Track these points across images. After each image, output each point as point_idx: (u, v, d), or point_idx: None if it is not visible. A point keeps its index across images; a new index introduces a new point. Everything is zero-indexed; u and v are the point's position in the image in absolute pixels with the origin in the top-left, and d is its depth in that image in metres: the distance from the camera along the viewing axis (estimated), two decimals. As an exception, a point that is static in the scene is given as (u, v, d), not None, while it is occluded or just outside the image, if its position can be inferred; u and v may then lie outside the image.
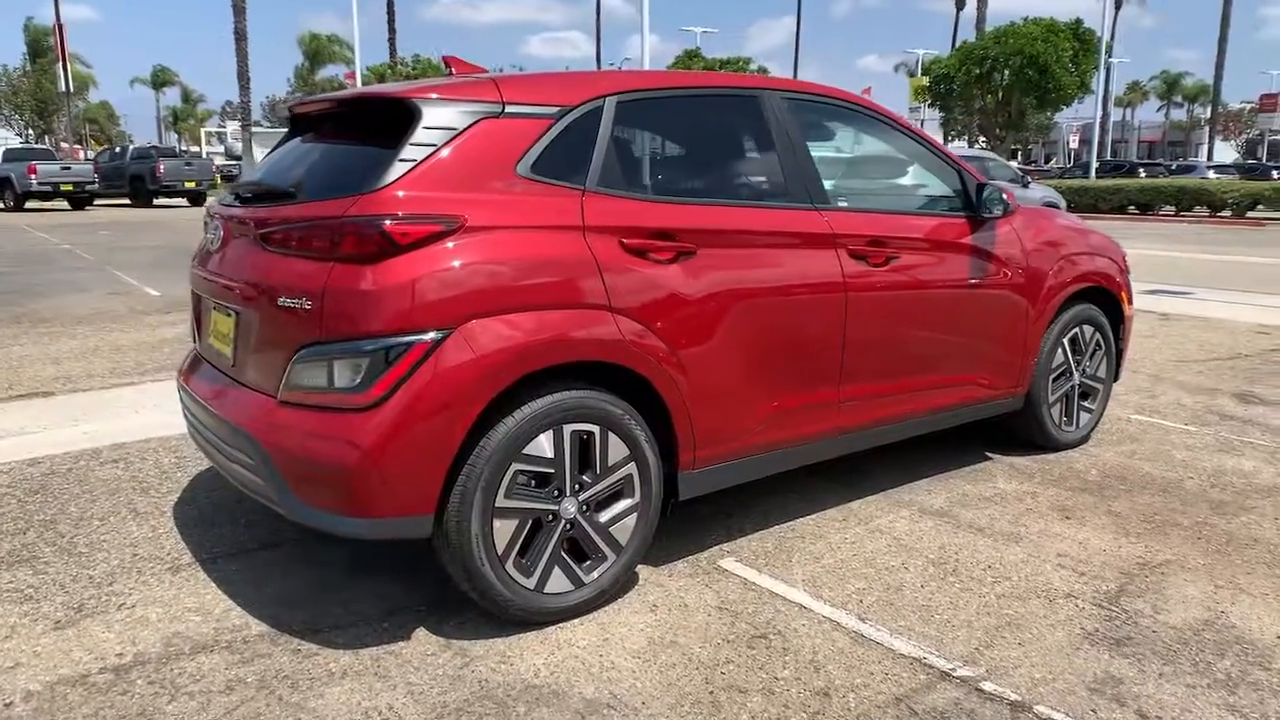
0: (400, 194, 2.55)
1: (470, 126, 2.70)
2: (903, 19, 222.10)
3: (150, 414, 5.15)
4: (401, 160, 2.59)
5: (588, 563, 2.85)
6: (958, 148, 26.93)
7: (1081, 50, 27.73)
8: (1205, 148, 68.31)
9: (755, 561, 3.25)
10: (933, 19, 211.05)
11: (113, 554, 3.33)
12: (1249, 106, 71.51)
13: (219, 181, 29.97)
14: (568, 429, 2.72)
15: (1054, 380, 4.32)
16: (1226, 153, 71.67)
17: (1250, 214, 24.55)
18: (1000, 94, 29.70)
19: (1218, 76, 54.17)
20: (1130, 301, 4.65)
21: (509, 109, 2.77)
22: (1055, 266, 4.15)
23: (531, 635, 2.75)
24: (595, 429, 2.77)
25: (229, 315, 2.95)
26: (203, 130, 60.72)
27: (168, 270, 11.99)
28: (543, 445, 2.69)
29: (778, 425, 3.26)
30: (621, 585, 2.96)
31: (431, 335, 2.49)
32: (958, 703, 2.41)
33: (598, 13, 70.43)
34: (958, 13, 75.11)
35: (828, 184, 3.47)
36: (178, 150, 35.77)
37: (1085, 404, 4.53)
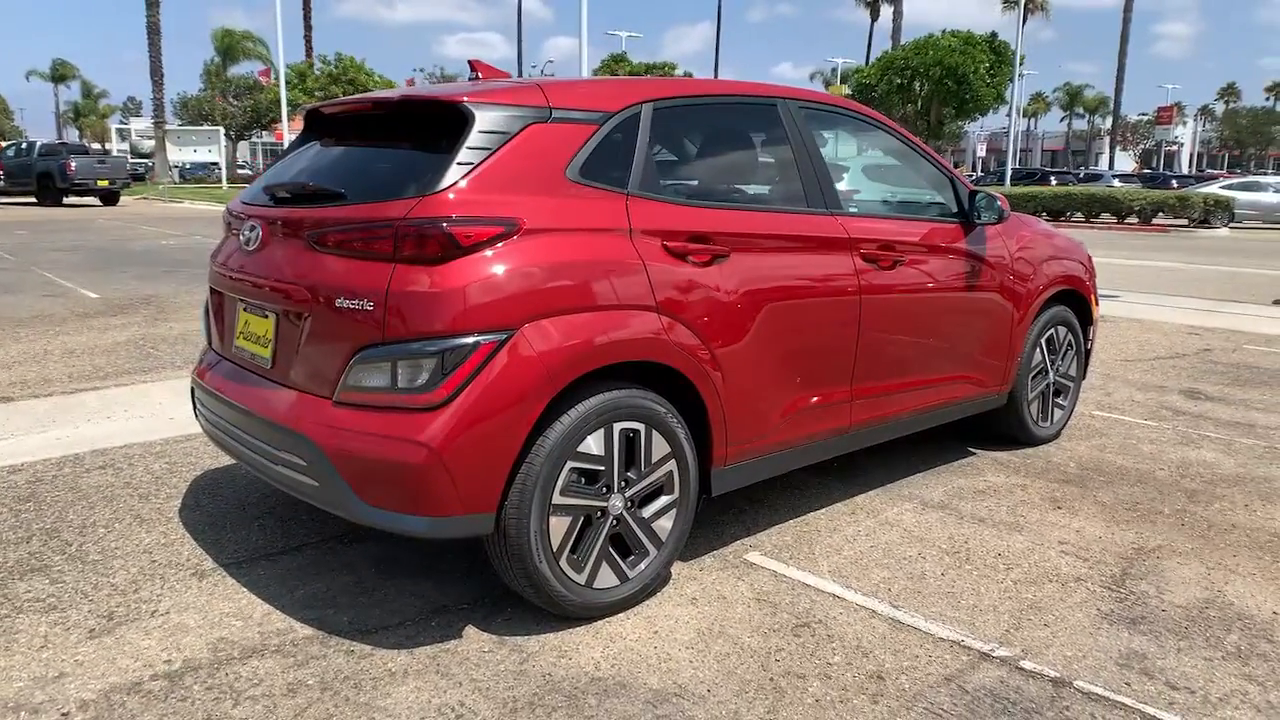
0: (460, 196, 2.58)
1: (521, 131, 2.74)
2: (816, 28, 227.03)
3: (124, 420, 5.00)
4: (459, 163, 2.62)
5: (631, 558, 2.92)
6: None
7: (997, 62, 28.89)
8: (1105, 157, 71.63)
9: (779, 554, 3.36)
10: (845, 28, 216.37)
11: (129, 561, 3.25)
12: (1146, 118, 75.43)
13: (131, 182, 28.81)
14: (617, 427, 2.79)
15: (1033, 379, 4.55)
16: (1124, 162, 75.28)
17: (1154, 220, 25.89)
18: (920, 103, 30.69)
19: (1118, 90, 56.98)
20: (1097, 303, 4.92)
21: (555, 114, 2.83)
22: (1036, 270, 4.39)
23: (581, 630, 2.81)
24: (641, 427, 2.85)
25: (265, 317, 2.93)
26: (114, 127, 58.17)
27: (100, 272, 11.56)
28: (594, 443, 2.75)
29: (798, 422, 3.38)
30: (660, 580, 3.03)
31: (496, 336, 2.53)
32: (1003, 680, 2.55)
33: (519, 15, 70.02)
34: (872, 23, 77.02)
35: (838, 189, 3.61)
36: (89, 147, 34.24)
37: (1059, 401, 4.79)
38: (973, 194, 4.06)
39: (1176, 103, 65.36)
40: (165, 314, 8.47)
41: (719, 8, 78.36)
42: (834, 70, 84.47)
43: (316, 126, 3.38)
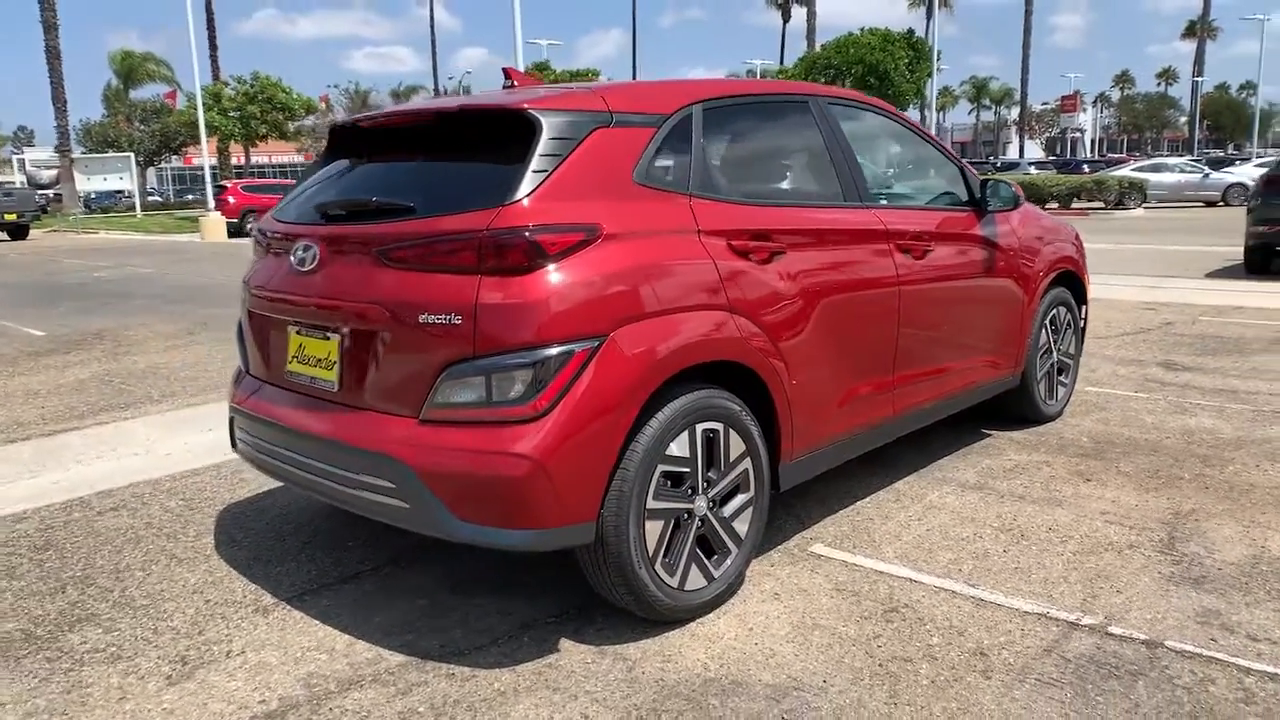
0: (539, 204, 2.56)
1: (587, 136, 2.73)
2: (726, 31, 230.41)
3: (117, 460, 4.80)
4: (534, 171, 2.60)
5: (715, 557, 2.92)
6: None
7: (915, 58, 29.72)
8: (1014, 146, 74.14)
9: (842, 544, 3.41)
10: (756, 31, 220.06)
11: (182, 603, 3.12)
12: (1049, 107, 78.50)
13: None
14: (699, 428, 2.79)
15: (1040, 358, 4.70)
16: (1032, 150, 78.06)
17: (1073, 205, 26.92)
18: (843, 101, 31.30)
19: (1024, 81, 59.08)
20: (1088, 283, 5.11)
21: (616, 118, 2.82)
22: (1039, 253, 4.54)
23: (677, 633, 2.80)
24: (720, 427, 2.86)
25: (327, 338, 2.85)
26: (15, 158, 55.52)
27: (36, 308, 11.05)
28: (680, 445, 2.75)
29: (852, 413, 3.43)
30: (740, 578, 3.04)
31: (589, 343, 2.51)
32: (1099, 647, 2.64)
33: (432, 27, 69.48)
34: (784, 24, 78.31)
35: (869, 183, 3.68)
36: (-9, 180, 32.69)
37: (1061, 379, 4.95)
38: (984, 182, 4.18)
39: (1077, 90, 68.29)
40: (123, 348, 8.14)
41: (634, 13, 78.65)
42: (749, 73, 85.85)
43: (348, 143, 3.31)
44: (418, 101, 3.38)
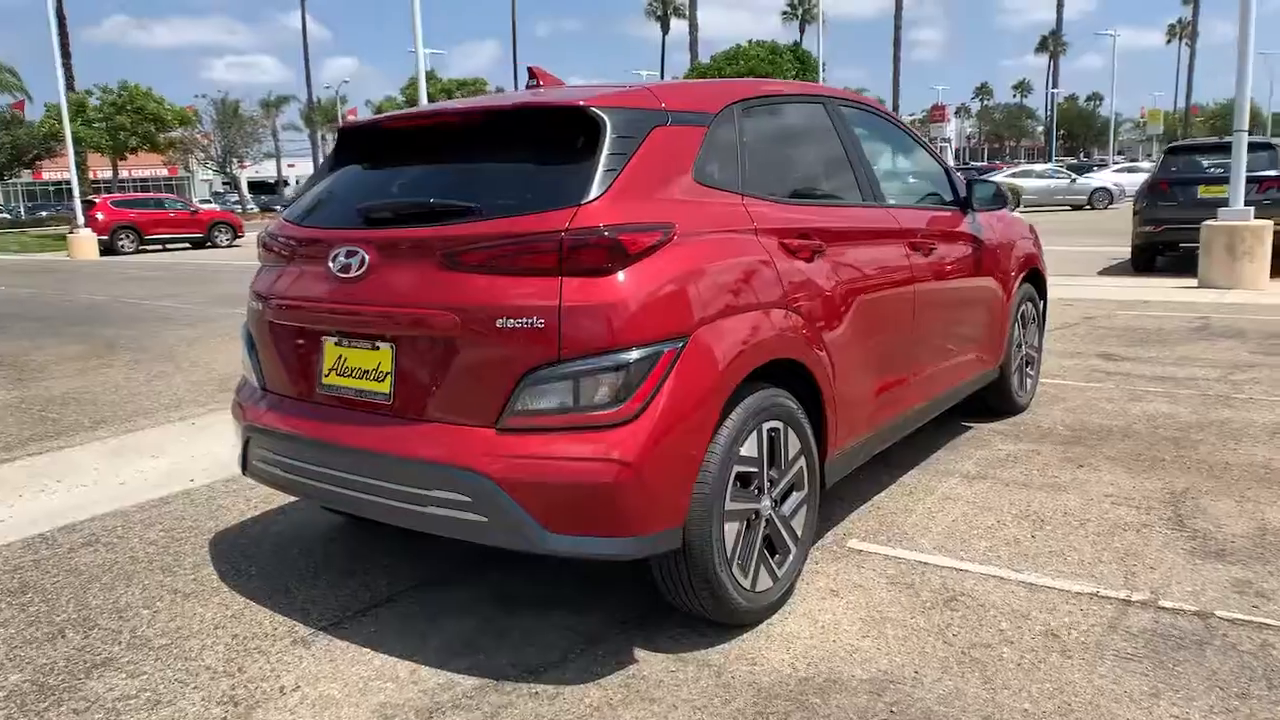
0: (614, 204, 2.50)
1: (648, 135, 2.69)
2: (603, 42, 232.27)
3: (67, 493, 4.44)
4: (605, 170, 2.54)
5: (777, 557, 2.91)
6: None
7: (801, 70, 30.60)
8: (886, 156, 77.07)
9: (876, 539, 3.45)
10: (634, 42, 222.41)
11: (207, 639, 2.90)
12: (919, 117, 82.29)
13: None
14: (765, 427, 2.78)
15: (1014, 351, 4.90)
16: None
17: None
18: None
19: (895, 93, 61.69)
20: (1047, 278, 5.36)
21: (673, 117, 2.79)
22: (1012, 250, 4.73)
23: (751, 636, 2.77)
24: (781, 425, 2.85)
25: (376, 348, 2.70)
26: None
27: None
28: (750, 445, 2.73)
29: (880, 408, 3.49)
30: (798, 576, 3.04)
31: (674, 343, 2.47)
32: (1157, 621, 2.75)
33: (304, 36, 67.46)
34: (664, 37, 79.30)
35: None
36: None
37: (1029, 371, 5.18)
38: (969, 182, 4.33)
39: (944, 103, 71.83)
40: (29, 373, 7.53)
41: (513, 23, 78.41)
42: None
43: (365, 145, 3.16)
44: (457, 100, 3.25)
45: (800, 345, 2.91)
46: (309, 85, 68.02)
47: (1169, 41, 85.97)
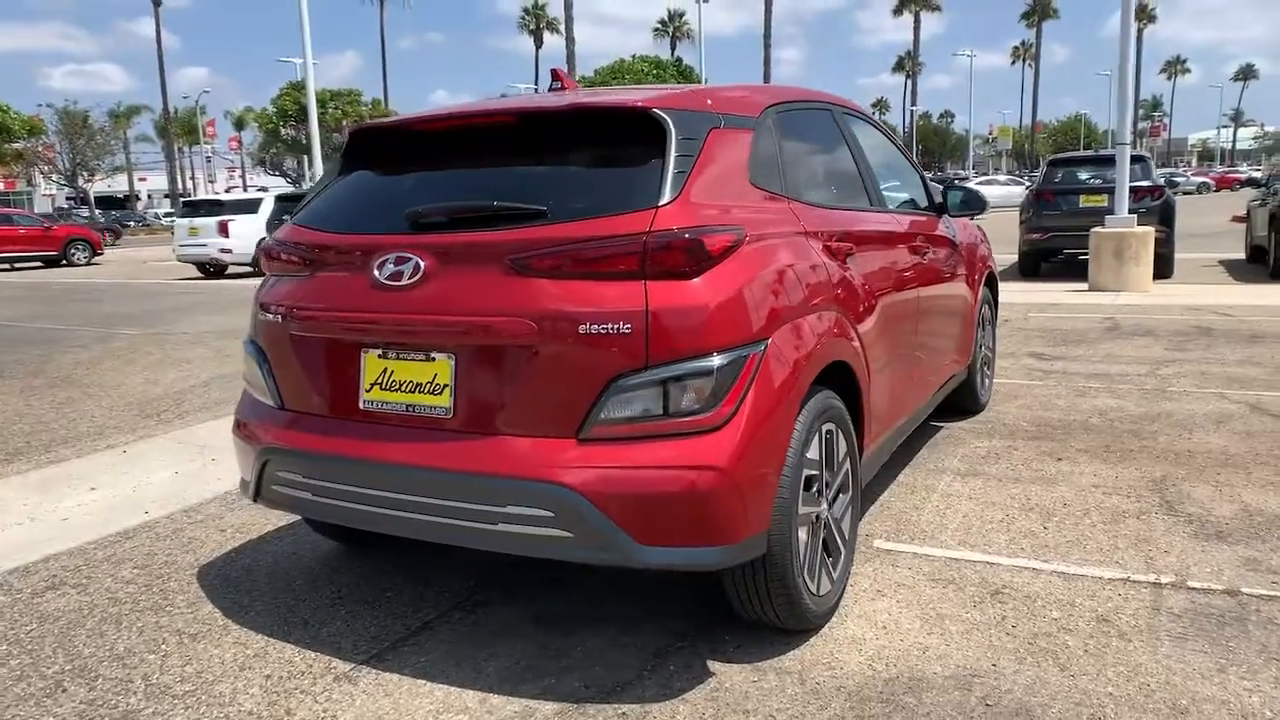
0: (691, 206, 2.46)
1: (707, 137, 2.66)
2: (469, 55, 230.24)
3: (6, 531, 4.01)
4: (676, 172, 2.49)
5: (831, 559, 2.91)
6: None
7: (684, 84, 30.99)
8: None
9: (899, 538, 3.50)
10: (501, 55, 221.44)
11: (237, 683, 2.66)
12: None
13: None
14: (823, 429, 2.78)
15: (977, 351, 5.09)
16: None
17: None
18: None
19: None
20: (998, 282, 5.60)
21: (723, 119, 2.77)
22: (976, 254, 4.92)
23: (815, 641, 2.76)
24: (834, 427, 2.86)
25: (431, 360, 2.55)
26: None
27: None
28: (813, 448, 2.72)
29: (899, 406, 3.57)
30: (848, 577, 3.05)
31: (757, 347, 2.44)
32: (1192, 601, 2.89)
33: (159, 44, 63.82)
34: (537, 50, 79.13)
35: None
36: None
37: (986, 371, 5.39)
38: (945, 189, 4.47)
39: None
40: (-92, 404, 6.78)
41: (382, 35, 76.43)
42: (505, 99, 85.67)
43: (388, 146, 3.00)
44: (492, 101, 3.11)
45: (848, 346, 2.93)
46: (164, 95, 64.28)
47: (1014, 63, 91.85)
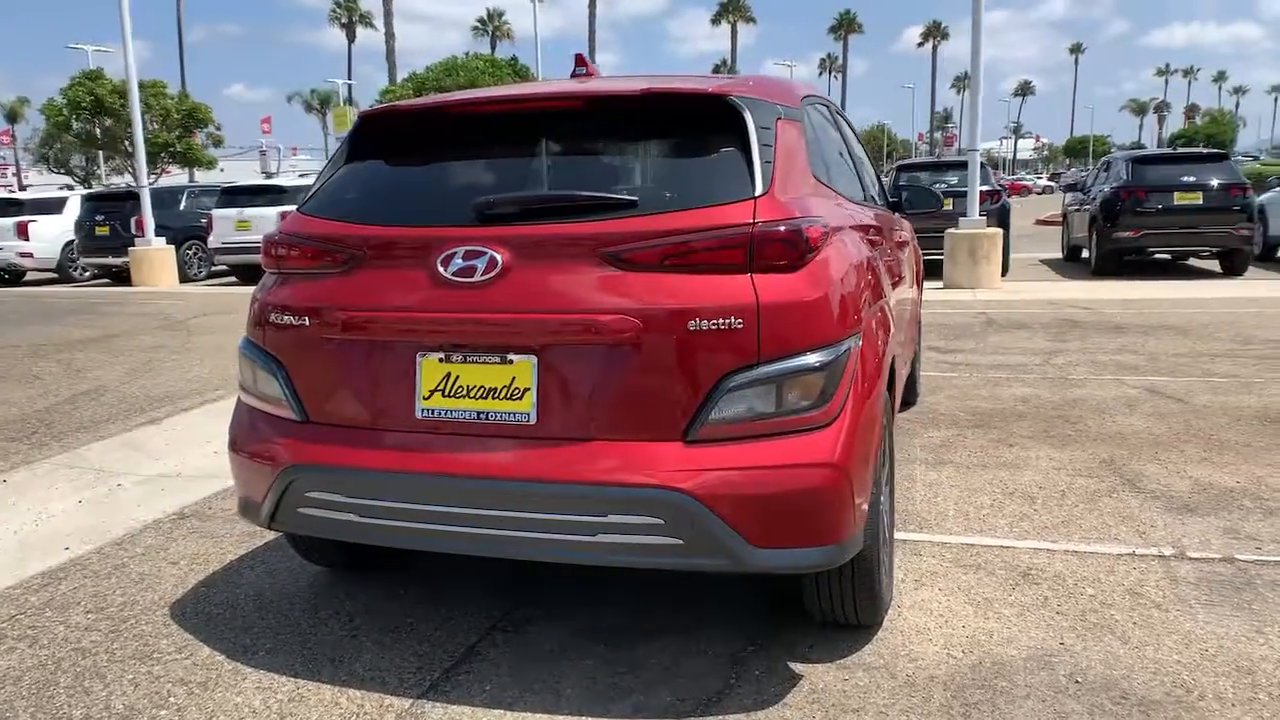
0: (784, 198, 2.41)
1: (776, 126, 2.61)
2: (269, 49, 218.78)
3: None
4: (763, 162, 2.43)
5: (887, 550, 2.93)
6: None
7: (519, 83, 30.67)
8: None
9: (906, 527, 3.58)
10: (305, 50, 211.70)
11: (284, 731, 2.36)
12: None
13: None
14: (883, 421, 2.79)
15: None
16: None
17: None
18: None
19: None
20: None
21: (781, 110, 2.72)
22: (918, 251, 5.12)
23: (883, 636, 2.76)
24: (885, 419, 2.87)
25: (508, 361, 2.36)
26: None
27: None
28: (885, 440, 2.73)
29: (893, 397, 3.64)
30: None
31: (854, 340, 2.41)
32: (1198, 569, 3.12)
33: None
34: (350, 45, 76.19)
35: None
36: None
37: (918, 364, 5.62)
38: (899, 187, 4.63)
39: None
40: None
41: (179, 22, 71.49)
42: (315, 95, 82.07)
43: (417, 131, 2.76)
44: (547, 83, 2.91)
45: (893, 338, 2.96)
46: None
47: (821, 74, 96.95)
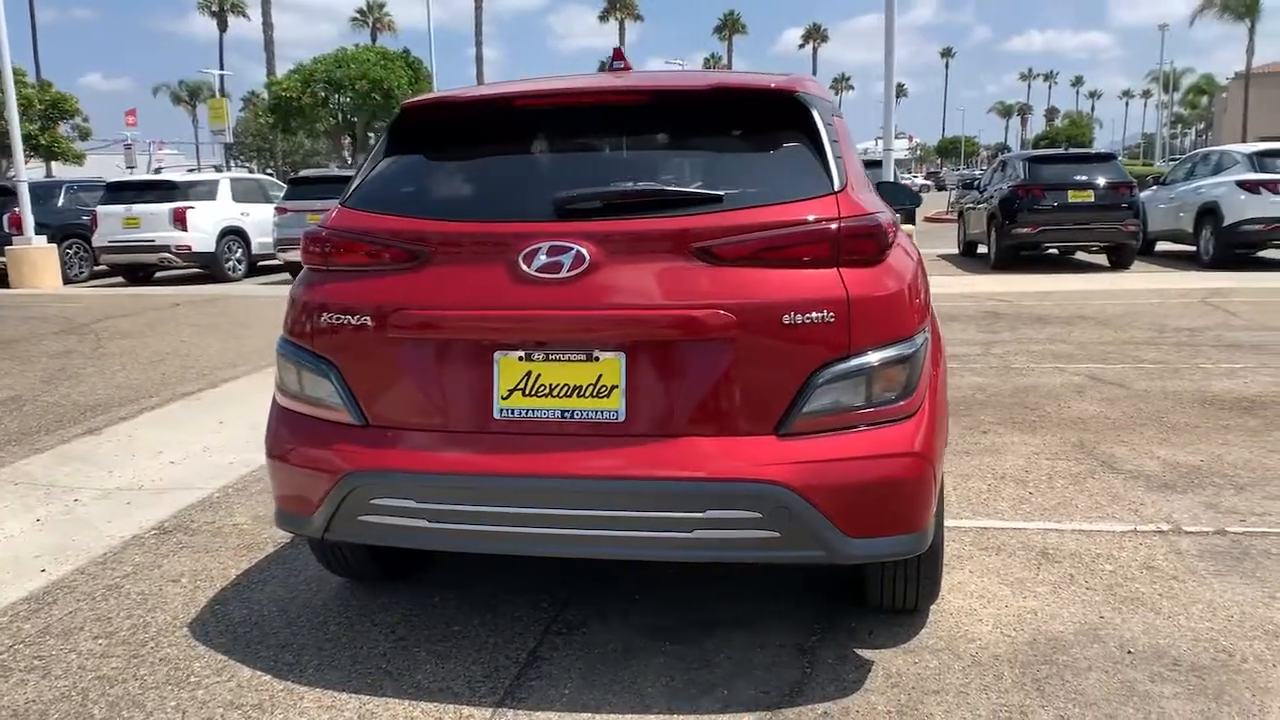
0: (857, 193, 2.46)
1: (834, 122, 2.65)
2: (128, 37, 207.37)
3: None
4: (835, 157, 2.47)
5: (926, 537, 3.02)
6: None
7: (414, 78, 30.05)
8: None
9: (918, 513, 3.68)
10: (166, 39, 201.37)
11: (366, 749, 2.26)
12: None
13: None
14: None
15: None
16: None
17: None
18: (342, 117, 30.50)
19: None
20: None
21: (832, 105, 2.77)
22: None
23: (933, 621, 2.85)
24: None
25: (594, 359, 2.33)
26: None
27: None
28: (931, 429, 2.81)
29: None
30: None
31: (926, 331, 2.48)
32: (1196, 540, 3.34)
33: None
34: (222, 34, 72.95)
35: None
36: None
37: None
38: (879, 185, 4.75)
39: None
40: None
41: (31, 9, 66.84)
42: (185, 87, 78.06)
43: (477, 124, 2.69)
44: (609, 76, 2.85)
45: None
46: None
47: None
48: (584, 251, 2.31)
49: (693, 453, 2.30)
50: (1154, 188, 14.87)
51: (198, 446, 5.01)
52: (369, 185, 2.64)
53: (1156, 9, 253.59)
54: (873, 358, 2.31)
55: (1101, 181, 12.72)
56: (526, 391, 2.37)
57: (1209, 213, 12.61)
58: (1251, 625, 2.74)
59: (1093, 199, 12.60)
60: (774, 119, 2.53)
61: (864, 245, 2.34)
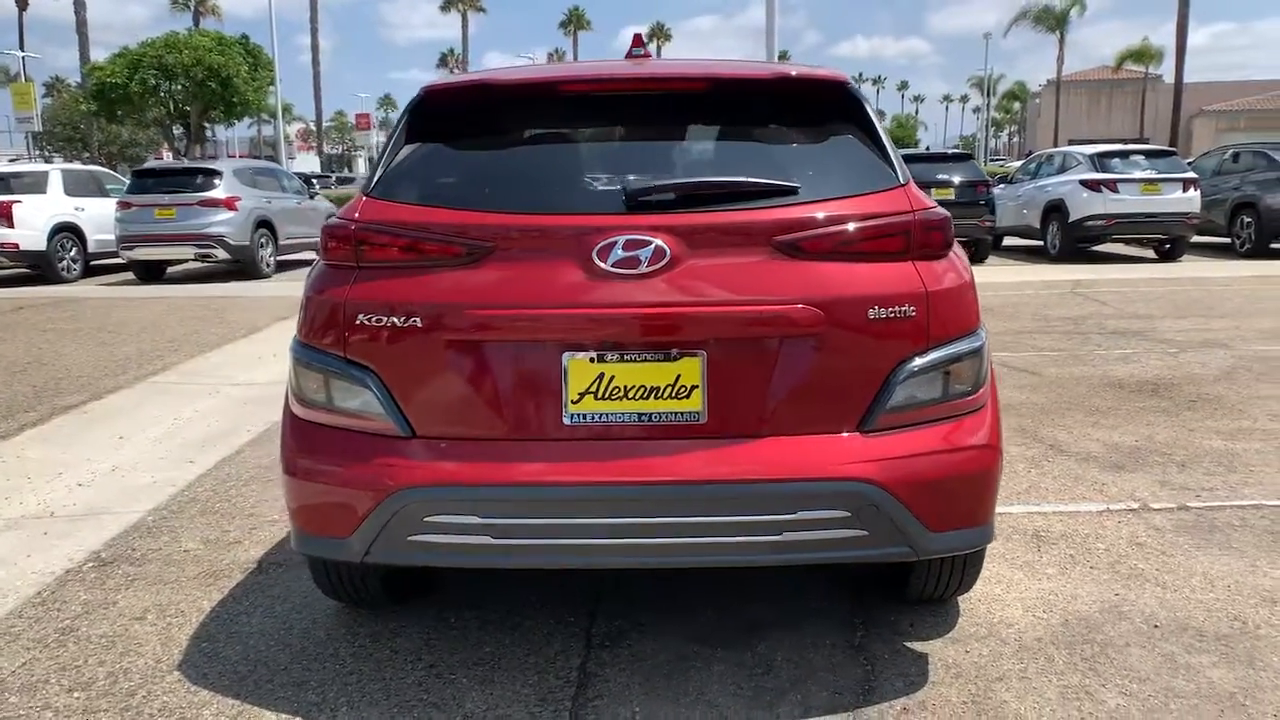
0: (913, 185, 2.44)
1: (876, 116, 2.64)
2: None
3: None
4: (890, 149, 2.46)
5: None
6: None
7: (254, 65, 28.27)
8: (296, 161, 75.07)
9: (905, 503, 3.75)
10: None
11: (444, 791, 2.07)
12: (334, 124, 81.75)
13: None
14: None
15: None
16: (310, 164, 79.69)
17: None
18: (177, 105, 28.32)
19: (317, 97, 60.27)
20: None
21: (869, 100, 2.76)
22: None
23: (967, 609, 2.90)
24: None
25: (672, 359, 2.22)
26: None
27: None
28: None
29: None
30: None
31: (984, 326, 2.50)
32: (1167, 517, 3.56)
33: None
34: (21, 13, 66.71)
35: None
36: None
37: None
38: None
39: (364, 110, 72.88)
40: None
41: None
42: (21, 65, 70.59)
43: (513, 110, 2.51)
44: (664, 63, 2.69)
45: None
46: None
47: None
48: (664, 245, 2.19)
49: (778, 453, 2.22)
50: (1001, 186, 15.89)
51: (104, 466, 4.50)
52: (398, 174, 2.42)
53: (970, 19, 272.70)
54: (949, 351, 2.31)
55: (959, 180, 13.46)
56: (599, 395, 2.22)
57: (1055, 209, 13.60)
58: (1249, 593, 2.93)
59: (953, 196, 13.30)
60: (830, 111, 2.49)
61: (935, 238, 2.34)
